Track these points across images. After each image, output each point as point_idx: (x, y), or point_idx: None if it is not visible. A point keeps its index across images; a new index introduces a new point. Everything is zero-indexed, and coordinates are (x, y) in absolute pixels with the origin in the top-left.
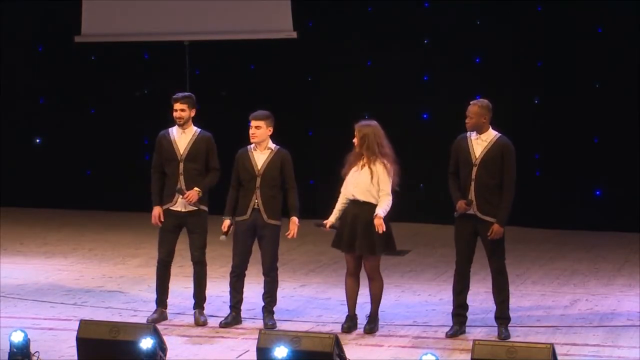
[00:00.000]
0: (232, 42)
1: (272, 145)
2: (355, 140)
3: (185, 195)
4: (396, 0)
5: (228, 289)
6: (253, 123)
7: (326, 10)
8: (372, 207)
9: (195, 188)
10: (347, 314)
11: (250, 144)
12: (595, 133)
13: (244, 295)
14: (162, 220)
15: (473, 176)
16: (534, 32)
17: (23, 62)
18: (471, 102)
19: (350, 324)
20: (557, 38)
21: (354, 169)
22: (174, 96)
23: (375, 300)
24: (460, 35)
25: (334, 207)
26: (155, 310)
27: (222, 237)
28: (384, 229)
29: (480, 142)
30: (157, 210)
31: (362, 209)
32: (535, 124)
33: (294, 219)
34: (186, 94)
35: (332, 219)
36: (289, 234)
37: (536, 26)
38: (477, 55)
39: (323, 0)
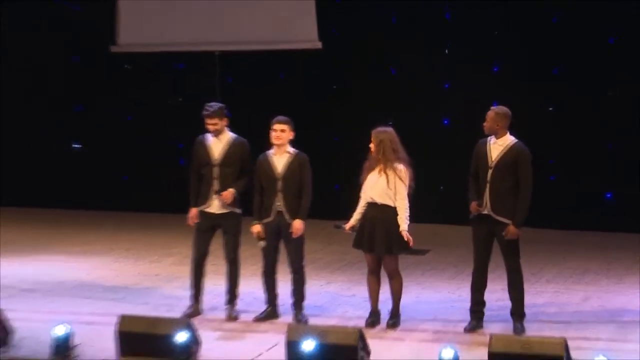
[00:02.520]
0: (261, 52)
1: (291, 149)
2: (372, 146)
3: (222, 195)
4: (418, 12)
5: (259, 286)
6: (277, 127)
7: (351, 22)
8: (389, 209)
9: (230, 189)
10: (370, 309)
11: (269, 149)
12: (606, 139)
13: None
14: (198, 220)
15: (488, 178)
16: (549, 43)
17: (62, 70)
18: (491, 108)
19: (373, 319)
20: (571, 48)
21: (371, 174)
22: (203, 112)
23: (396, 297)
24: (479, 45)
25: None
26: (190, 305)
27: (261, 243)
28: (412, 243)
29: (497, 147)
30: (193, 212)
31: (380, 211)
32: (550, 130)
33: (298, 221)
34: (215, 108)
35: (352, 222)
36: (293, 233)
37: (551, 37)
38: (495, 65)
39: (348, 11)
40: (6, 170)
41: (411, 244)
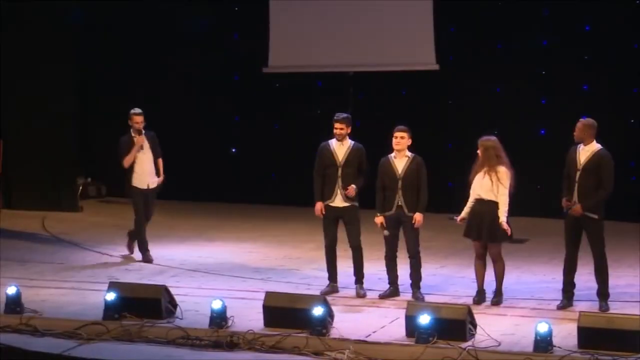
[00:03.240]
0: (387, 73)
1: (409, 153)
2: (479, 152)
3: (347, 191)
4: (519, 41)
5: (383, 268)
6: (398, 134)
7: (464, 48)
8: (493, 204)
9: (353, 185)
10: (477, 289)
11: (391, 153)
12: None
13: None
14: (324, 212)
15: (577, 179)
16: (630, 67)
17: (225, 88)
18: (580, 120)
19: (480, 297)
20: None
21: (479, 175)
22: (335, 117)
23: (499, 278)
24: (569, 68)
25: (465, 206)
26: (327, 285)
27: (385, 232)
28: (510, 233)
29: (584, 152)
30: (319, 205)
31: (486, 206)
32: (631, 139)
33: (419, 214)
34: (345, 115)
35: (463, 214)
36: (415, 224)
37: (631, 62)
38: (585, 84)
39: (461, 39)
40: (176, 169)
41: (509, 233)
